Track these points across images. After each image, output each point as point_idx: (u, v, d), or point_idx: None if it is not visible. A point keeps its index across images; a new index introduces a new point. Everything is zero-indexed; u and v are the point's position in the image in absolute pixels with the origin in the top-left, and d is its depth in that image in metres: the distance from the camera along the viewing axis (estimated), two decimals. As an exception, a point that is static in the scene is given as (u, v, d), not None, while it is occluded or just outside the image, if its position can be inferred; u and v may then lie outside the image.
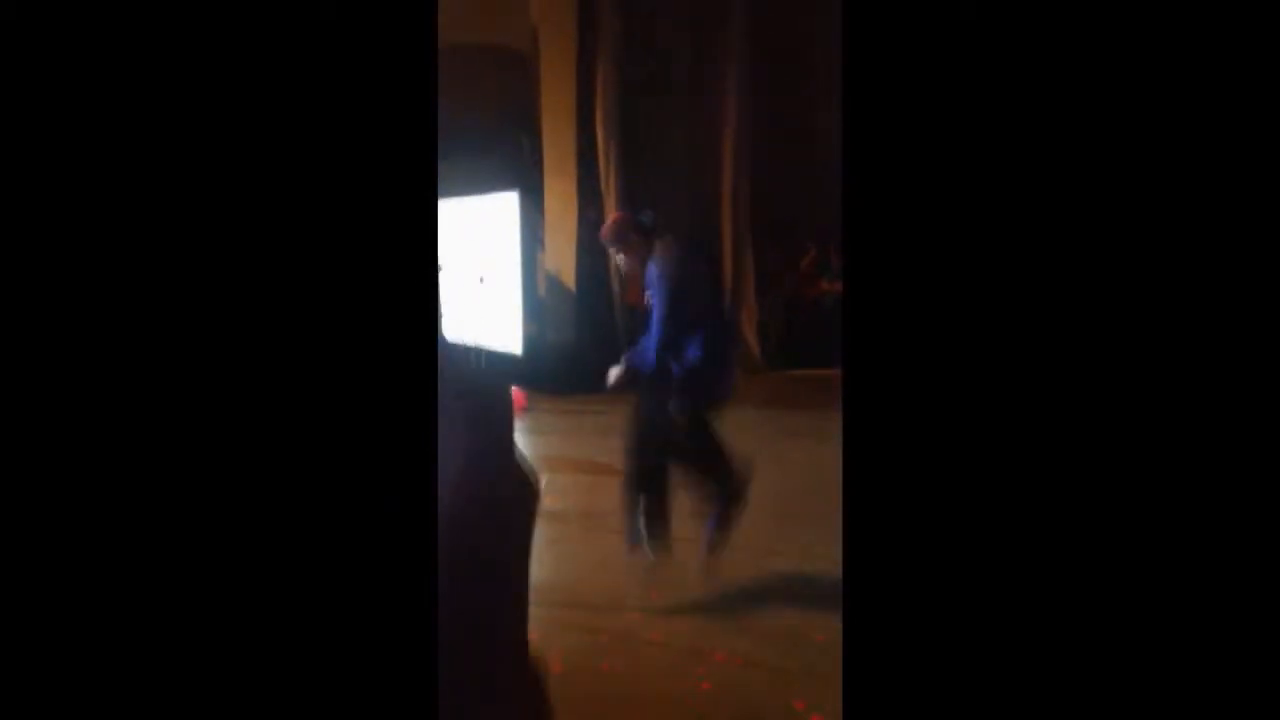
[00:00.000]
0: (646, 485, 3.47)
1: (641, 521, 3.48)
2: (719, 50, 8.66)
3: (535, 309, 8.12)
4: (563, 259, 8.12)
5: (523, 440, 3.68)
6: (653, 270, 3.38)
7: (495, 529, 1.49)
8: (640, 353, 3.41)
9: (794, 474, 5.09)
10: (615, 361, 3.54)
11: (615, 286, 8.21)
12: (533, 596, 1.60)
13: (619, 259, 3.55)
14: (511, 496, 1.54)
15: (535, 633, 1.65)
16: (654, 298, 3.37)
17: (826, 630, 3.01)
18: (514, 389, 1.42)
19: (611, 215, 3.96)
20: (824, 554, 3.76)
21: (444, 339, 1.55)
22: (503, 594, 1.54)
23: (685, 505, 4.05)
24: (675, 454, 3.43)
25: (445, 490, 1.42)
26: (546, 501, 4.73)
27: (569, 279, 8.10)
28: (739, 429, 6.28)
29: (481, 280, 4.22)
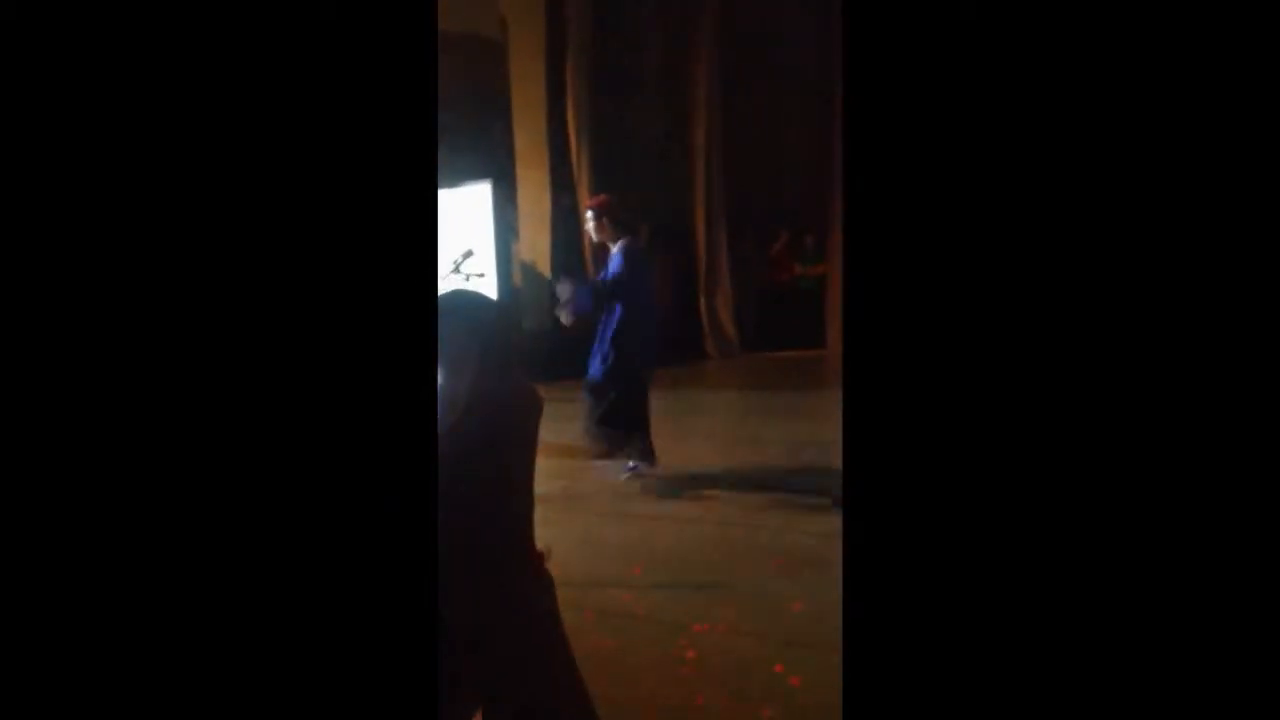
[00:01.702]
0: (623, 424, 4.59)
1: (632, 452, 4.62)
2: (689, 37, 8.69)
3: (511, 297, 8.14)
4: (537, 247, 8.15)
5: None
6: (614, 250, 4.59)
7: (507, 436, 1.61)
8: (581, 294, 4.59)
9: (771, 451, 5.20)
10: (589, 348, 4.52)
11: (590, 273, 8.25)
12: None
13: (591, 232, 4.74)
14: (521, 406, 1.66)
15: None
16: (608, 270, 4.61)
17: (804, 599, 3.12)
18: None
19: (602, 196, 4.98)
20: (801, 526, 3.87)
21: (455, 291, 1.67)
22: (515, 493, 1.66)
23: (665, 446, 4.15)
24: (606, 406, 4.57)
25: (459, 407, 1.54)
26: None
27: (544, 267, 8.14)
28: (720, 410, 6.36)
29: (469, 254, 4.63)
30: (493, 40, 8.21)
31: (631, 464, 4.67)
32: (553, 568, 1.73)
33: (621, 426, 4.58)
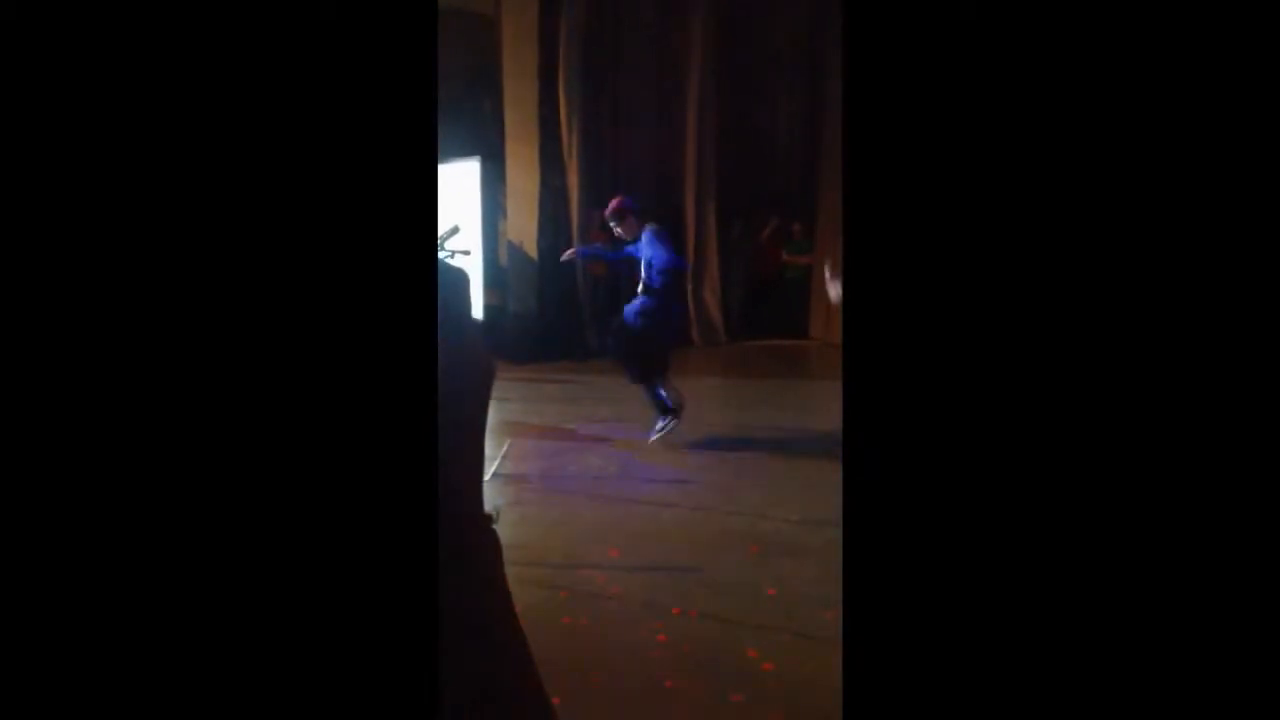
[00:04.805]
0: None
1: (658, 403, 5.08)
2: (683, 19, 8.64)
3: (497, 277, 8.11)
4: (525, 227, 8.11)
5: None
6: (647, 234, 4.99)
7: (460, 400, 1.61)
8: (666, 261, 4.97)
9: (752, 439, 5.22)
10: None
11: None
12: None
13: (617, 230, 5.12)
14: (474, 371, 1.66)
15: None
16: (653, 245, 4.98)
17: (778, 585, 3.14)
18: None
19: (616, 199, 5.24)
20: (775, 513, 3.89)
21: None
22: (466, 454, 1.66)
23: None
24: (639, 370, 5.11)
25: None
26: (509, 465, 4.81)
27: (531, 248, 8.10)
28: (702, 398, 6.37)
29: (455, 230, 4.63)
30: (485, 15, 8.13)
31: (661, 423, 5.03)
32: (527, 548, 1.73)
33: (651, 379, 5.07)
